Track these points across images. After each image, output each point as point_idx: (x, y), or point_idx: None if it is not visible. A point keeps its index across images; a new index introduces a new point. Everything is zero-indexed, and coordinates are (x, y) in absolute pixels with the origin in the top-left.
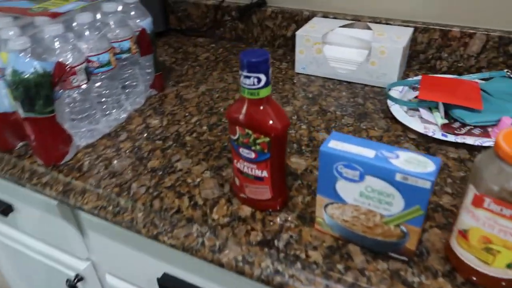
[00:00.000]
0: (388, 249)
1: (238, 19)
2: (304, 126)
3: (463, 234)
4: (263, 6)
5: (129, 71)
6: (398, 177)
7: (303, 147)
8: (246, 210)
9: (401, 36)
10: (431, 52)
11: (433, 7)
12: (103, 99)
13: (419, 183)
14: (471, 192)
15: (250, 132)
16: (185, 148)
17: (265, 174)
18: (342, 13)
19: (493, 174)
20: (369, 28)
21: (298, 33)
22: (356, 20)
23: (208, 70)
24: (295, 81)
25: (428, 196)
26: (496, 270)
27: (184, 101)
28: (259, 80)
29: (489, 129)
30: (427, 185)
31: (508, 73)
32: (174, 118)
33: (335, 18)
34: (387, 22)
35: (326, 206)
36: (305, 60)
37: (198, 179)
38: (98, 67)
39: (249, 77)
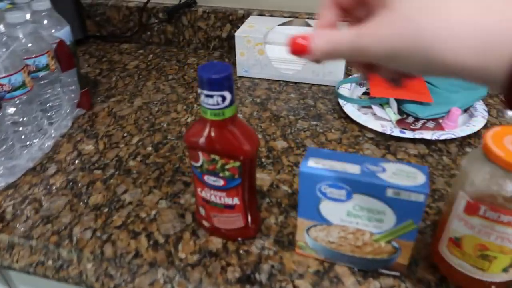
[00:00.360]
0: (379, 266)
1: (166, 21)
2: (259, 136)
3: (456, 242)
4: (193, 6)
5: (50, 91)
6: (390, 192)
7: (263, 160)
8: (216, 242)
9: None
10: None
11: None
12: (21, 128)
13: (412, 197)
14: (463, 199)
15: (216, 157)
16: (130, 175)
17: (236, 201)
18: (279, 10)
19: (485, 179)
20: (308, 25)
21: (237, 34)
22: (293, 17)
23: (141, 81)
24: (239, 86)
25: (422, 209)
26: (491, 275)
27: (119, 118)
28: (224, 99)
29: (440, 121)
30: (421, 198)
31: None
32: (111, 141)
33: (271, 16)
34: None
35: (308, 229)
36: (247, 62)
37: (153, 212)
38: (10, 91)
39: (211, 96)
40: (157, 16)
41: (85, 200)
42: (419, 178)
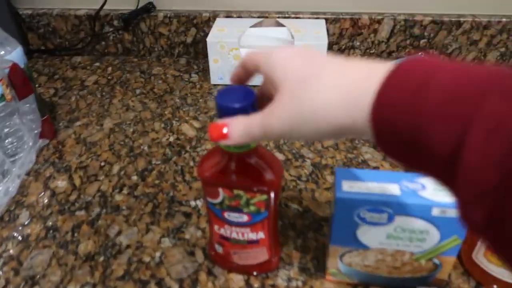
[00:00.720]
0: (416, 283)
1: (123, 29)
2: None
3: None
4: (152, 11)
5: (8, 124)
6: (435, 211)
7: None
8: (237, 280)
9: (319, 31)
10: (344, 42)
11: None
12: None
13: None
14: None
15: (241, 193)
16: (120, 212)
17: (261, 235)
18: (246, 10)
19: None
20: (280, 25)
21: (209, 40)
22: (263, 17)
23: (105, 98)
24: (215, 95)
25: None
26: None
27: (91, 145)
28: None
29: None
30: None
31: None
32: (88, 173)
33: (239, 17)
34: (296, 16)
35: (342, 255)
36: (221, 69)
37: (158, 254)
38: None
39: None
40: (111, 24)
41: (74, 250)
42: None
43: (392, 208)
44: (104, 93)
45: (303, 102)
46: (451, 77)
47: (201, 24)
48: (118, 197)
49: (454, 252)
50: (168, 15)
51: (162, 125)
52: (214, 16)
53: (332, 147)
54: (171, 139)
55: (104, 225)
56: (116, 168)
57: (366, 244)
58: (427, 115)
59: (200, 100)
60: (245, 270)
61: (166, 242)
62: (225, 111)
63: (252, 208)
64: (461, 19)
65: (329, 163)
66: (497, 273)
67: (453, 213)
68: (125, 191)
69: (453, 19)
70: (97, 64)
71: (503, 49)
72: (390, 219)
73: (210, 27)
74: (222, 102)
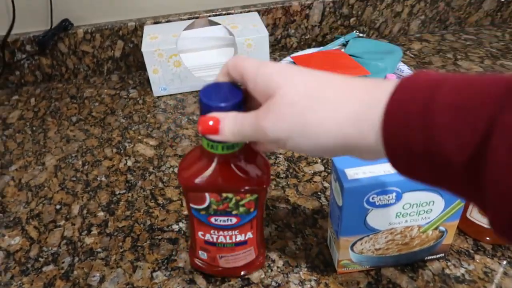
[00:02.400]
0: (425, 255)
1: (39, 54)
2: None
3: None
4: (69, 29)
5: None
6: None
7: None
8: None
9: (256, 24)
10: (279, 32)
11: None
12: None
13: None
14: None
15: (230, 195)
16: (96, 256)
17: (249, 235)
18: (175, 13)
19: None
20: (213, 23)
21: (144, 49)
22: (193, 17)
23: (38, 133)
24: (163, 107)
25: None
26: None
27: (37, 189)
28: None
29: None
30: None
31: (357, 33)
32: (43, 221)
33: (168, 21)
34: (228, 12)
35: (353, 244)
36: (163, 79)
37: None
38: None
39: None
40: (24, 50)
41: None
42: None
43: (399, 186)
44: (34, 128)
45: (307, 114)
46: (457, 88)
47: (128, 35)
48: (88, 240)
49: (457, 216)
50: (89, 30)
51: (114, 150)
52: (140, 24)
53: None
54: (129, 163)
55: (81, 275)
56: (75, 208)
57: (376, 228)
58: (439, 126)
59: (148, 116)
60: (231, 273)
61: (160, 276)
62: (209, 110)
63: (241, 209)
64: None
65: (303, 155)
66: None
67: None
68: (94, 231)
69: None
70: (16, 97)
71: (422, 17)
72: (398, 198)
73: (138, 36)
74: (207, 100)
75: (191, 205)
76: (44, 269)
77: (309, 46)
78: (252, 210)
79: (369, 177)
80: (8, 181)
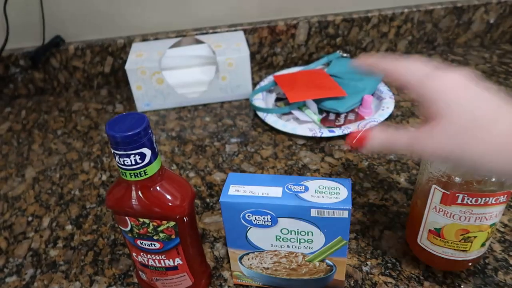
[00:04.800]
0: (318, 285)
1: (31, 68)
2: (192, 174)
3: (436, 233)
4: (61, 45)
5: None
6: (313, 212)
7: (207, 200)
8: None
9: (239, 43)
10: (265, 50)
11: (254, 5)
12: None
13: (336, 214)
14: (438, 192)
15: (146, 221)
16: (58, 269)
17: (178, 261)
18: (162, 31)
19: (457, 169)
20: (200, 42)
21: (128, 67)
22: (181, 36)
23: (23, 145)
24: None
25: (349, 225)
26: (471, 253)
27: (14, 200)
28: (143, 157)
29: (357, 110)
30: (345, 214)
31: (341, 53)
32: (14, 232)
33: (156, 39)
34: (214, 30)
35: (241, 258)
36: (146, 95)
37: None
38: None
39: (127, 156)
40: (17, 64)
41: None
42: (342, 193)
43: (273, 210)
44: (21, 140)
45: (474, 141)
46: None
47: (117, 52)
48: (53, 252)
49: (344, 253)
50: (80, 46)
51: (92, 164)
52: (129, 41)
53: (272, 157)
54: (104, 177)
55: (41, 287)
56: (46, 221)
57: (259, 246)
58: None
59: None
60: None
61: None
62: (117, 139)
63: (162, 235)
64: (369, 14)
65: (271, 173)
66: (441, 252)
67: (330, 214)
68: (60, 244)
69: (362, 15)
70: (8, 109)
71: (410, 37)
72: (274, 221)
73: (127, 53)
74: (113, 131)
75: (120, 227)
76: (7, 279)
77: (296, 64)
78: (173, 236)
79: (246, 195)
80: None
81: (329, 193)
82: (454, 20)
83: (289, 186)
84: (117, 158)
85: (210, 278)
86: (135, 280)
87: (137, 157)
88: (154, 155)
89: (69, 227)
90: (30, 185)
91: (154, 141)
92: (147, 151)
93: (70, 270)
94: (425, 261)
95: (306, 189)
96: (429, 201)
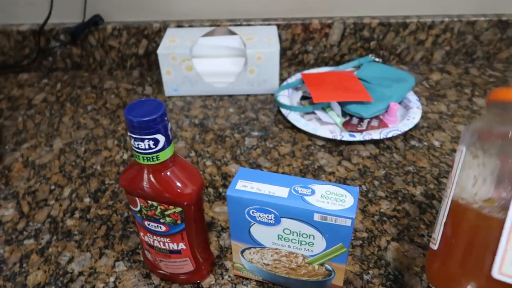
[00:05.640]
0: (315, 287)
1: (70, 43)
2: (209, 162)
3: None
4: (100, 24)
5: None
6: (316, 217)
7: (220, 190)
8: None
9: (271, 37)
10: (297, 47)
11: (290, 1)
12: None
13: (339, 222)
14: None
15: (155, 204)
16: (72, 238)
17: (182, 246)
18: (197, 19)
19: None
20: (232, 33)
21: (160, 52)
22: (215, 25)
23: (55, 117)
24: (171, 107)
25: (351, 233)
26: None
27: (40, 168)
28: (157, 142)
29: (382, 117)
30: (348, 223)
31: (373, 57)
32: (37, 198)
33: (191, 26)
34: (248, 23)
35: (243, 251)
36: (175, 81)
37: (112, 279)
38: None
39: (141, 140)
40: (58, 39)
41: (22, 282)
42: (348, 201)
43: (277, 210)
44: (53, 112)
45: None
46: None
47: (152, 35)
48: (69, 222)
49: (344, 260)
50: (117, 27)
51: (116, 142)
52: (164, 26)
53: (289, 155)
54: (125, 156)
55: (55, 253)
56: (67, 191)
57: (261, 243)
58: None
59: None
60: (175, 279)
61: (121, 266)
62: (133, 124)
63: (168, 219)
64: (407, 20)
65: (286, 171)
66: None
67: (333, 220)
68: (76, 215)
69: (399, 21)
70: (45, 80)
71: (447, 48)
72: (277, 220)
73: (161, 37)
74: (131, 116)
75: (130, 206)
76: (25, 242)
77: (327, 64)
78: (179, 222)
79: (253, 192)
80: (17, 157)
81: (334, 200)
82: (497, 34)
83: (296, 188)
84: (132, 141)
85: (213, 265)
86: (141, 258)
87: (151, 142)
88: (168, 142)
89: (87, 200)
90: (56, 156)
91: (169, 128)
92: (161, 138)
93: (83, 240)
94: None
95: (313, 192)
96: None
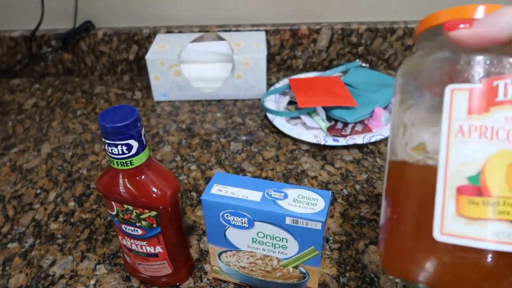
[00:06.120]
0: None
1: (61, 49)
2: (193, 167)
3: (474, 188)
4: (91, 30)
5: None
6: (288, 220)
7: None
8: None
9: (259, 43)
10: (285, 53)
11: (279, 7)
12: None
13: (310, 225)
14: (460, 95)
15: (130, 207)
16: (55, 241)
17: (159, 249)
18: (187, 25)
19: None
20: (221, 39)
21: (148, 57)
22: (204, 31)
23: (44, 121)
24: (159, 112)
25: (322, 236)
26: None
27: (27, 173)
28: (130, 148)
29: (366, 122)
30: (318, 226)
31: (360, 63)
32: (22, 202)
33: (180, 32)
34: (237, 29)
35: (220, 254)
36: (163, 86)
37: (93, 282)
38: None
39: (115, 146)
40: (49, 44)
41: (4, 285)
42: (319, 204)
43: (250, 213)
44: (43, 117)
45: None
46: None
47: (142, 41)
48: (53, 226)
49: (317, 263)
50: (108, 33)
51: (103, 146)
52: (154, 32)
53: (273, 159)
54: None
55: (37, 256)
56: (52, 195)
57: (236, 246)
58: None
59: (143, 119)
60: (154, 282)
61: (102, 269)
62: (107, 129)
63: (144, 223)
64: (394, 26)
65: (269, 175)
66: (488, 237)
67: (304, 223)
68: (61, 218)
69: (387, 26)
70: (37, 86)
71: None
72: (251, 223)
73: (151, 43)
74: (104, 121)
75: (108, 210)
76: (9, 245)
77: (315, 69)
78: (154, 225)
79: (227, 196)
80: (5, 162)
81: (306, 203)
82: None
83: (269, 192)
84: (106, 146)
85: (192, 269)
86: (122, 262)
87: (124, 148)
88: (142, 146)
89: (71, 204)
90: (44, 160)
91: (143, 134)
92: (134, 143)
93: (66, 244)
94: (447, 276)
95: (285, 196)
96: (445, 125)
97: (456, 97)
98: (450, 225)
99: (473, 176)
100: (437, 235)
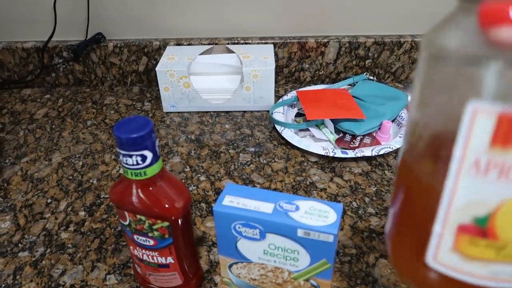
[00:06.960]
0: None
1: (73, 60)
2: (203, 178)
3: (478, 229)
4: (102, 41)
5: None
6: (300, 233)
7: (212, 205)
8: None
9: (267, 56)
10: (293, 65)
11: (286, 21)
12: None
13: (322, 237)
14: (483, 119)
15: (143, 218)
16: (65, 251)
17: (170, 260)
18: (196, 37)
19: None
20: (230, 51)
21: (158, 69)
22: (213, 43)
23: (55, 131)
24: (168, 123)
25: (334, 249)
26: None
27: (38, 182)
28: (144, 158)
29: (374, 135)
30: (330, 239)
31: (368, 76)
32: (33, 211)
33: (190, 44)
34: (245, 41)
35: (230, 266)
36: (172, 97)
37: None
38: None
39: (130, 156)
40: (61, 56)
41: None
42: (331, 217)
43: (262, 225)
44: (54, 126)
45: None
46: None
47: (152, 53)
48: (64, 235)
49: (328, 276)
50: (118, 44)
51: (113, 156)
52: (164, 44)
53: (282, 171)
54: (122, 170)
55: (48, 265)
56: (63, 205)
57: (247, 257)
58: None
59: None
60: None
61: (112, 279)
62: (122, 140)
63: (156, 233)
64: (401, 40)
65: (278, 187)
66: (484, 276)
67: (316, 236)
68: (71, 228)
69: (394, 40)
70: (48, 96)
71: None
72: (262, 235)
73: (161, 55)
74: (119, 132)
75: (120, 220)
76: (20, 254)
77: (323, 82)
78: (166, 236)
79: (239, 208)
80: (16, 171)
81: (318, 216)
82: None
83: (281, 204)
84: (121, 157)
85: (202, 280)
86: (132, 272)
87: (139, 158)
88: (156, 157)
89: (82, 213)
90: (54, 170)
91: (156, 145)
92: (148, 154)
93: (76, 253)
94: None
95: (297, 208)
96: (459, 152)
97: (479, 121)
98: (445, 257)
99: (480, 218)
100: (430, 261)
